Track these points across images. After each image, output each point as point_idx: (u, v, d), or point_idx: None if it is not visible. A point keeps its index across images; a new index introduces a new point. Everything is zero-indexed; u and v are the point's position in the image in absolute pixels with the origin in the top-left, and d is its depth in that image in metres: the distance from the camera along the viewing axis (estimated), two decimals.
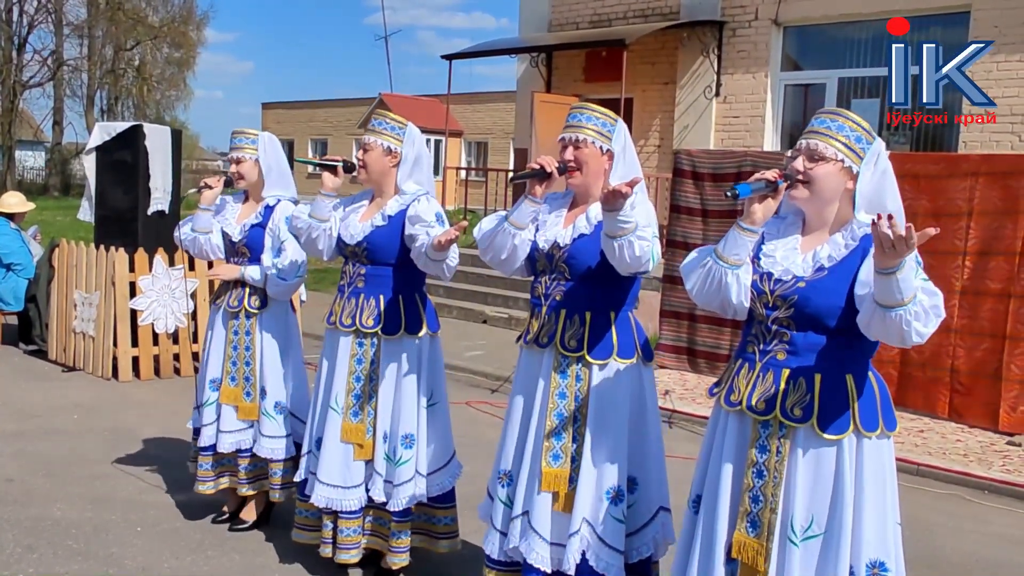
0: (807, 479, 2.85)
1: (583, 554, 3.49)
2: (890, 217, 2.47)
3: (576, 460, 3.54)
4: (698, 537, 3.03)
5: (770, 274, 2.92)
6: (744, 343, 3.03)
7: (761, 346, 2.95)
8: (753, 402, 2.90)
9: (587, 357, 3.54)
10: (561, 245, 3.58)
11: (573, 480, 3.53)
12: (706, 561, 2.98)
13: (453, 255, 4.10)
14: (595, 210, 3.57)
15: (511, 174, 17.22)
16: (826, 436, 2.82)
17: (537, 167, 3.52)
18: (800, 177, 2.86)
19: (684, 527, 3.17)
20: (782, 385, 2.87)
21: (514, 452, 3.72)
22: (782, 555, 2.86)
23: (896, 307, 2.58)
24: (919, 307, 2.59)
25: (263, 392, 4.89)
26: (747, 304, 2.95)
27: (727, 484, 2.96)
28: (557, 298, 3.60)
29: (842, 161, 2.84)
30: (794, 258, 2.92)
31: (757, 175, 2.85)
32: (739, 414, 2.96)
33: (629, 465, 3.56)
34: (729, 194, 2.81)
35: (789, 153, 2.95)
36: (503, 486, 3.72)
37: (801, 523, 2.84)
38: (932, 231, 2.47)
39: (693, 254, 3.07)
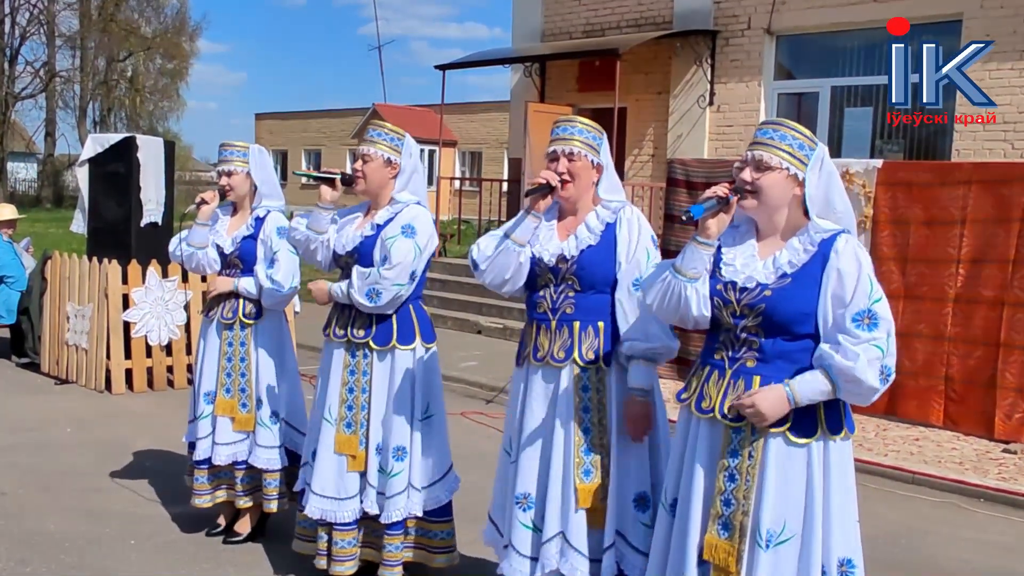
0: (778, 483, 2.92)
1: (618, 565, 3.50)
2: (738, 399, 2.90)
3: (604, 472, 3.54)
4: (672, 539, 3.11)
5: (734, 283, 3.01)
6: (711, 350, 3.11)
7: (730, 353, 3.03)
8: (726, 409, 2.98)
9: (603, 367, 3.54)
10: (568, 257, 3.57)
11: (602, 492, 3.53)
12: (679, 563, 3.07)
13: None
14: (592, 220, 3.60)
15: (505, 185, 17.24)
16: (796, 440, 2.91)
17: (544, 181, 3.53)
18: (748, 188, 2.96)
19: (659, 529, 3.23)
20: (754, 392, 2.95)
21: (538, 473, 3.62)
22: (751, 558, 2.93)
23: None
24: None
25: (259, 402, 4.88)
26: (707, 315, 3.04)
27: (699, 488, 3.04)
28: (568, 311, 3.58)
29: (787, 169, 2.95)
30: (754, 265, 3.01)
31: (708, 192, 2.97)
32: (711, 420, 3.03)
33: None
34: (684, 217, 2.96)
35: (736, 165, 3.05)
36: (524, 509, 3.62)
37: (771, 527, 2.91)
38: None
39: (651, 269, 3.22)
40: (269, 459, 4.86)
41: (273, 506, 4.92)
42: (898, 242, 7.94)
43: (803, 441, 2.91)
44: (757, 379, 2.95)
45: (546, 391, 3.63)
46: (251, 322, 4.89)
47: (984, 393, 7.57)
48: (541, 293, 3.65)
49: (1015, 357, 7.44)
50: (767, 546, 2.90)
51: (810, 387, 2.86)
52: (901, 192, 7.99)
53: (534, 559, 3.61)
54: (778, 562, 2.90)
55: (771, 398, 2.86)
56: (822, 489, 2.92)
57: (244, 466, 4.91)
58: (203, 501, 5.02)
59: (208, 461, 4.95)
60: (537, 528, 3.61)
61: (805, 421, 2.91)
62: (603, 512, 3.51)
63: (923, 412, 7.78)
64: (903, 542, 5.46)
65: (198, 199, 4.97)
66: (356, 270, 4.14)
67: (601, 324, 3.56)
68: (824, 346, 2.86)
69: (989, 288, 7.55)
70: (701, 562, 3.02)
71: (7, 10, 38.56)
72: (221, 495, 5.05)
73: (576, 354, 3.55)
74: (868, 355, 2.80)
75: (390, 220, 4.21)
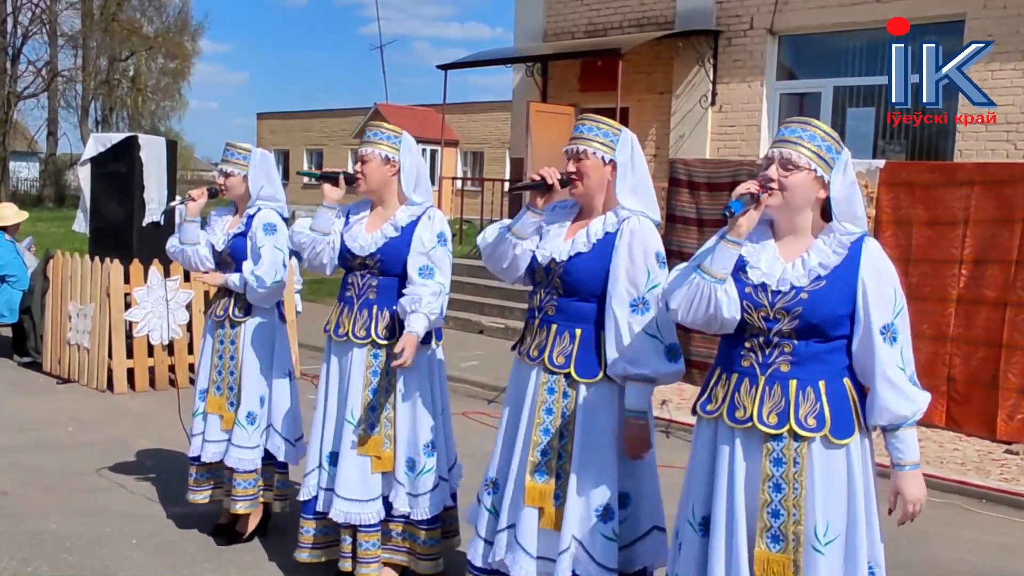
0: (821, 486, 2.88)
1: (573, 572, 3.47)
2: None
3: (562, 477, 3.52)
4: (718, 562, 2.97)
5: (765, 285, 2.94)
6: (736, 356, 3.02)
7: (760, 359, 2.96)
8: (765, 417, 2.91)
9: (573, 375, 3.51)
10: (558, 260, 3.56)
11: (559, 497, 3.51)
12: None
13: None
14: (596, 226, 3.55)
15: (507, 184, 17.22)
16: (837, 442, 2.88)
17: (538, 179, 3.51)
18: (774, 185, 2.91)
19: (689, 550, 3.10)
20: (792, 397, 2.90)
21: (499, 461, 3.73)
22: (808, 565, 2.88)
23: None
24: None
25: (240, 401, 4.89)
26: (738, 317, 2.96)
27: (741, 502, 2.95)
28: (549, 312, 3.59)
29: (815, 170, 2.90)
30: (781, 266, 2.95)
31: (741, 188, 2.90)
32: (747, 431, 2.95)
33: (620, 482, 3.52)
34: (726, 213, 2.88)
35: (760, 162, 3.01)
36: (488, 493, 3.73)
37: (821, 531, 2.88)
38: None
39: (675, 273, 3.09)
40: (240, 459, 4.85)
41: (239, 507, 4.91)
42: (901, 242, 7.92)
43: (844, 442, 2.89)
44: (793, 383, 2.90)
45: (519, 385, 3.68)
46: (240, 320, 4.90)
47: (986, 394, 7.56)
48: (536, 290, 3.68)
49: (1017, 358, 7.43)
50: (823, 548, 2.87)
51: (912, 445, 2.95)
52: (904, 192, 7.98)
53: (489, 542, 3.68)
54: (830, 564, 2.88)
55: (913, 485, 2.93)
56: (863, 486, 2.91)
57: None
58: (198, 497, 5.05)
59: (199, 457, 4.97)
60: (495, 512, 3.68)
61: (844, 421, 2.90)
62: (557, 516, 3.49)
63: (926, 413, 7.72)
64: (905, 543, 5.45)
65: (186, 195, 4.99)
66: (418, 286, 4.10)
67: (579, 331, 3.52)
68: (884, 409, 2.90)
69: (992, 289, 7.54)
70: None
71: (9, 9, 38.58)
72: (217, 492, 5.07)
73: (546, 355, 3.55)
74: (903, 382, 2.88)
75: (414, 223, 4.20)
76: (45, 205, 37.08)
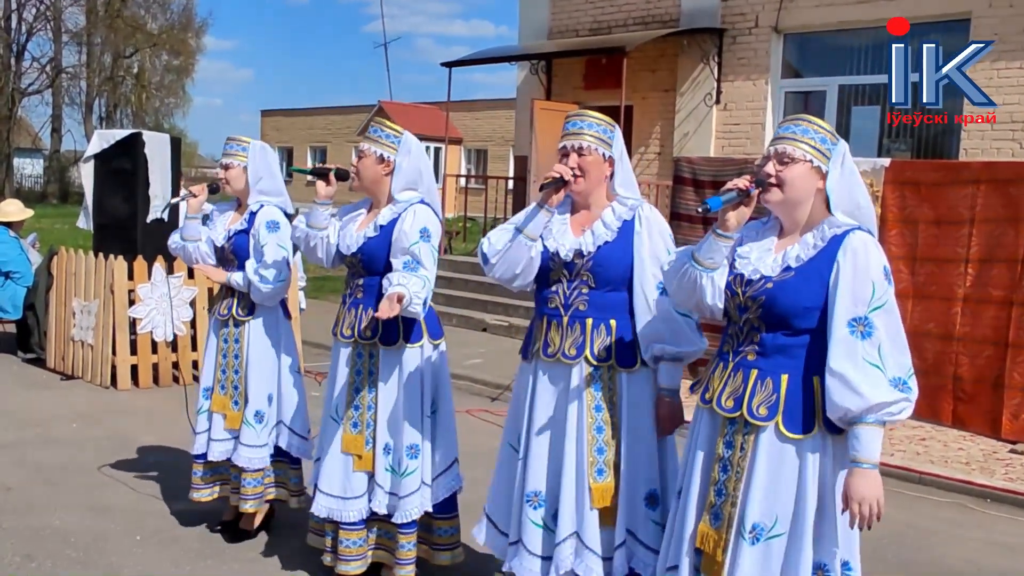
0: (768, 478, 2.92)
1: (629, 566, 3.50)
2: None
3: (616, 470, 3.53)
4: (673, 524, 3.18)
5: (742, 275, 3.02)
6: (722, 342, 3.13)
7: (735, 346, 3.06)
8: (722, 401, 3.01)
9: (616, 366, 3.52)
10: (585, 253, 3.55)
11: (616, 491, 3.52)
12: (676, 549, 3.12)
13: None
14: (609, 216, 3.58)
15: (511, 183, 17.20)
16: (790, 435, 2.90)
17: (557, 175, 3.51)
18: (771, 180, 2.96)
19: (670, 515, 3.29)
20: (750, 385, 2.96)
21: (547, 471, 3.61)
22: (735, 550, 2.94)
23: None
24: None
25: (246, 400, 4.88)
26: (721, 306, 3.07)
27: (697, 476, 3.08)
28: (581, 308, 3.56)
29: (811, 161, 2.95)
30: (766, 259, 3.02)
31: (728, 184, 2.98)
32: (710, 410, 3.07)
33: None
34: (701, 209, 2.98)
35: (758, 161, 3.05)
36: (535, 507, 3.61)
37: (759, 521, 2.91)
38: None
39: (673, 256, 3.26)
40: (249, 458, 4.84)
41: (248, 505, 4.89)
42: (907, 241, 7.91)
43: (796, 437, 2.89)
44: (755, 372, 2.96)
45: (556, 388, 3.61)
46: (244, 319, 4.88)
47: (992, 393, 7.55)
48: (553, 288, 3.62)
49: (1023, 357, 7.41)
50: (754, 540, 2.90)
51: (872, 444, 2.82)
52: (909, 191, 7.96)
53: (545, 558, 3.59)
54: (768, 557, 2.91)
55: (862, 483, 2.81)
56: (818, 487, 2.91)
57: None
58: (200, 495, 5.04)
59: (205, 456, 4.96)
60: (548, 527, 3.60)
61: (799, 414, 2.90)
62: (615, 510, 3.50)
63: (932, 411, 7.75)
64: (909, 542, 5.44)
65: (187, 191, 4.97)
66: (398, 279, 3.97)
67: (614, 322, 3.53)
68: (830, 401, 2.84)
69: (998, 288, 7.52)
70: (696, 549, 3.05)
71: (14, 6, 38.66)
72: (219, 490, 5.06)
73: (588, 352, 3.53)
74: (871, 381, 2.80)
75: (394, 221, 4.17)
76: (49, 202, 37.11)
